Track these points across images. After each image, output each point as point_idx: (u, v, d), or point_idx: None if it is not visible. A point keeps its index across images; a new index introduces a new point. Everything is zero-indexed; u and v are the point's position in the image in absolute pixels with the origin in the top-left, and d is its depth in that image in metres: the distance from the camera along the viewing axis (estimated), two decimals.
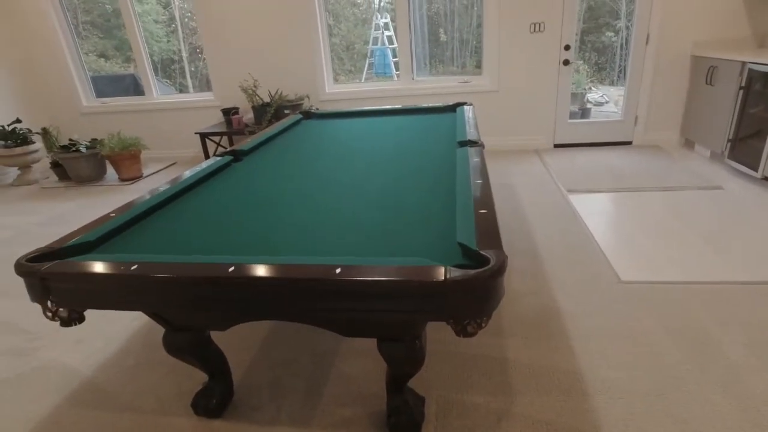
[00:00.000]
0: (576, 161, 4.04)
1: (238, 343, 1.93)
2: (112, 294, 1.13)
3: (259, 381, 1.72)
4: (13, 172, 4.90)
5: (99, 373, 1.83)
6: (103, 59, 6.11)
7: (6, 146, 4.61)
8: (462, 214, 1.28)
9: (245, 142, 2.40)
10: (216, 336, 1.93)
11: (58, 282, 1.13)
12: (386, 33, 5.90)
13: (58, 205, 3.99)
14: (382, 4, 6.08)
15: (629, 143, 4.43)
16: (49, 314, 1.20)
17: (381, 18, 5.94)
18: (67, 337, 2.07)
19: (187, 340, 1.42)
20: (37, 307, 2.33)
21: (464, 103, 3.00)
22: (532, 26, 4.13)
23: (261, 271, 1.03)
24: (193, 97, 5.15)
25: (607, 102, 6.59)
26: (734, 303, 1.97)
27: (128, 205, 1.55)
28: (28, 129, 4.86)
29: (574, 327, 1.89)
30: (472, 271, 0.95)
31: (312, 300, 1.03)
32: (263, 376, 1.74)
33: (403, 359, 1.26)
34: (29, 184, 4.78)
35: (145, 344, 1.98)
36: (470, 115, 2.63)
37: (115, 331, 2.08)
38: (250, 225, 1.44)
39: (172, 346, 1.42)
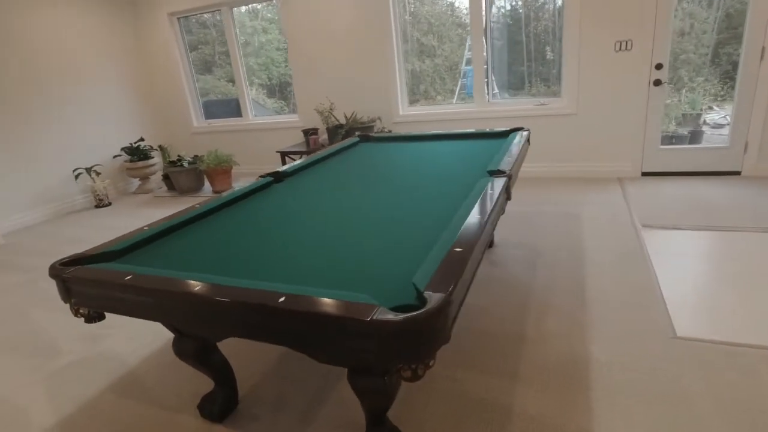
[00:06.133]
0: (663, 192, 3.59)
1: (255, 355, 2.04)
2: (115, 300, 1.29)
3: (265, 394, 1.80)
4: (135, 182, 5.78)
5: (141, 366, 2.07)
6: (231, 83, 6.82)
7: (131, 160, 5.46)
8: (437, 250, 1.24)
9: (290, 164, 2.56)
10: (235, 346, 2.08)
11: (76, 285, 1.33)
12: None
13: (165, 212, 4.61)
14: None
15: (737, 173, 3.82)
16: (73, 311, 1.41)
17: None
18: (127, 329, 2.37)
19: (193, 346, 1.56)
20: None
21: (520, 129, 2.86)
22: (618, 44, 3.81)
23: (220, 293, 1.11)
24: (281, 118, 5.62)
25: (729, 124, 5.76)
26: None
27: (162, 220, 1.76)
28: (150, 146, 5.71)
29: (601, 380, 1.69)
30: (397, 315, 0.92)
31: (261, 322, 1.08)
32: (270, 390, 1.82)
33: (369, 392, 1.24)
34: (146, 193, 5.59)
35: None
36: (519, 142, 2.50)
37: (164, 328, 2.34)
38: (249, 247, 1.54)
39: (179, 350, 1.57)
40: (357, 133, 4.37)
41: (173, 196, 5.28)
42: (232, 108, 6.39)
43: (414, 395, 1.71)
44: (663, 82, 3.79)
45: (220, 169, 5.02)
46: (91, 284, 1.29)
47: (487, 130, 2.96)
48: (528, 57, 4.59)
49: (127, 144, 5.59)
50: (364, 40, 4.66)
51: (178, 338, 1.57)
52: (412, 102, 5.01)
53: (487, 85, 4.59)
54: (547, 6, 4.36)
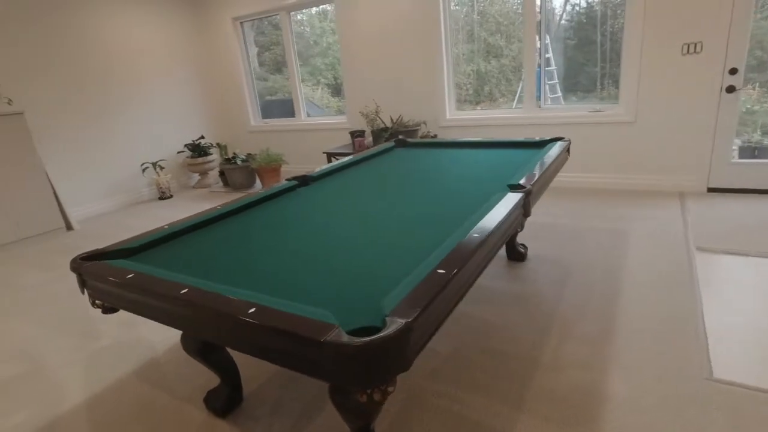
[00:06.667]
0: (730, 211, 3.23)
1: None
2: (117, 296, 1.38)
3: (268, 395, 1.85)
4: (196, 177, 6.16)
5: (165, 354, 2.21)
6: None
7: (192, 156, 5.83)
8: (420, 269, 1.20)
9: (320, 168, 2.61)
10: None
11: (89, 279, 1.43)
12: (545, 54, 5.60)
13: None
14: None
15: None
16: (90, 302, 1.53)
17: (539, 39, 5.69)
18: None
19: (197, 344, 1.63)
20: None
21: (560, 139, 2.70)
22: (685, 47, 3.48)
23: (198, 298, 1.15)
24: (331, 119, 5.73)
25: None
26: None
27: (181, 220, 1.86)
28: (209, 143, 6.07)
29: (614, 418, 1.55)
30: (351, 340, 0.90)
31: (232, 331, 1.10)
32: (272, 392, 1.86)
33: (346, 409, 1.23)
34: (204, 188, 5.95)
35: None
36: (553, 154, 2.36)
37: None
38: (250, 253, 1.58)
39: (185, 346, 1.65)
40: (400, 136, 4.36)
41: (227, 191, 5.57)
42: (288, 108, 6.63)
43: (410, 411, 1.68)
44: (738, 88, 3.41)
45: (270, 168, 5.22)
46: (100, 279, 1.39)
47: (525, 139, 2.82)
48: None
49: (189, 141, 5.98)
50: (413, 43, 4.63)
51: (184, 334, 1.65)
52: (476, 103, 4.90)
53: (540, 89, 4.39)
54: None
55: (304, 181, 2.43)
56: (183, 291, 1.19)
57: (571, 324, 2.12)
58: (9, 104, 4.35)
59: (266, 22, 5.98)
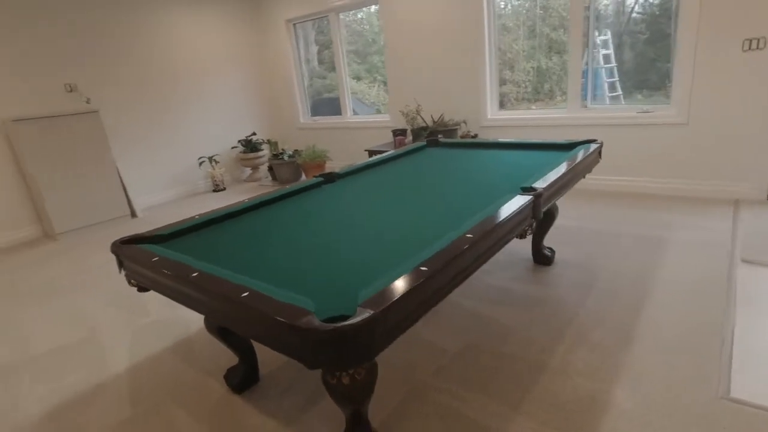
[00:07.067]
0: None
1: None
2: (145, 277, 1.56)
3: (281, 377, 1.98)
4: (247, 171, 6.52)
5: (198, 333, 2.42)
6: (354, 80, 7.05)
7: (244, 152, 6.18)
8: (405, 265, 1.26)
9: (348, 166, 2.71)
10: None
11: (124, 260, 1.63)
12: (603, 51, 5.37)
13: None
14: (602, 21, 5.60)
15: None
16: (127, 281, 1.73)
17: (599, 35, 5.46)
18: None
19: (216, 324, 1.79)
20: None
21: (592, 141, 2.62)
22: (747, 43, 3.22)
23: (202, 281, 1.29)
24: (374, 118, 5.85)
25: None
26: None
27: (210, 212, 2.04)
28: (261, 139, 6.39)
29: (612, 430, 1.52)
30: (321, 325, 0.99)
31: (228, 312, 1.23)
32: (286, 375, 2.00)
33: (333, 391, 1.32)
34: (255, 181, 6.28)
35: None
36: (577, 157, 2.31)
37: None
38: (263, 245, 1.72)
39: (207, 325, 1.83)
40: (439, 136, 4.38)
41: (275, 185, 5.85)
42: (337, 106, 6.81)
43: (409, 403, 1.74)
44: None
45: (314, 164, 5.43)
46: (132, 261, 1.57)
47: (555, 141, 2.77)
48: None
49: (242, 137, 6.34)
50: (455, 41, 4.62)
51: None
52: (534, 101, 4.81)
53: (586, 88, 4.23)
54: None
55: (330, 178, 2.55)
56: (194, 274, 1.34)
57: (588, 330, 2.07)
58: (87, 103, 4.86)
59: (326, 22, 6.17)
